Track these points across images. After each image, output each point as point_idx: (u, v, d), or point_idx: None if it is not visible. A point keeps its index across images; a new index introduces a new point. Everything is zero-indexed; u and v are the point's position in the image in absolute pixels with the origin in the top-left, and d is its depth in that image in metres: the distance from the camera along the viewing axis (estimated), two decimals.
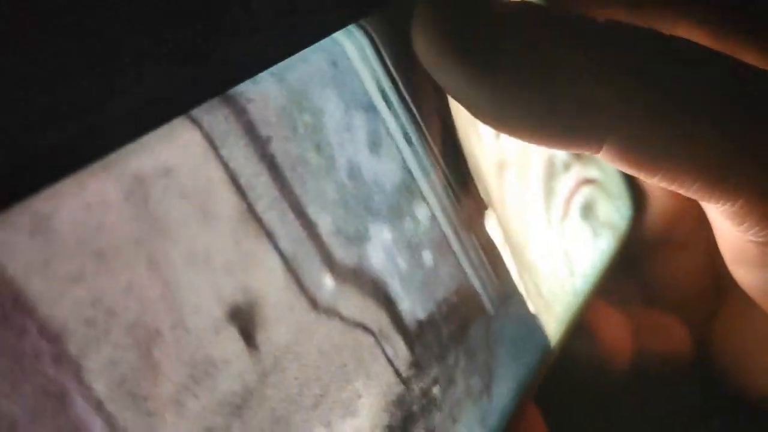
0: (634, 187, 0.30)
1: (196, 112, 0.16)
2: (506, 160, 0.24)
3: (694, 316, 0.29)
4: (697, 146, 0.18)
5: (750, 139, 0.18)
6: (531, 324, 0.23)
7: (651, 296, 0.30)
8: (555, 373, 0.24)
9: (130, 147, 0.15)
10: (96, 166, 0.14)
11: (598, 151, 0.18)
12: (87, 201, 0.14)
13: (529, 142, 0.19)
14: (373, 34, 0.20)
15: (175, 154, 0.15)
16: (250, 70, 0.17)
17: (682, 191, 0.19)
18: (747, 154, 0.18)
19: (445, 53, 0.18)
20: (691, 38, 0.26)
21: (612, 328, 0.27)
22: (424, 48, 0.18)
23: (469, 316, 0.21)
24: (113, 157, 0.14)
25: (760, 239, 0.19)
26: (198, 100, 0.16)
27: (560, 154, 0.27)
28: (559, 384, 0.25)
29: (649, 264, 0.30)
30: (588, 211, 0.27)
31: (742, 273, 0.21)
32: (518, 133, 0.18)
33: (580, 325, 0.26)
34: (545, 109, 0.18)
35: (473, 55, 0.18)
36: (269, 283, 0.16)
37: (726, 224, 0.19)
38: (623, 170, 0.19)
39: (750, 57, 0.25)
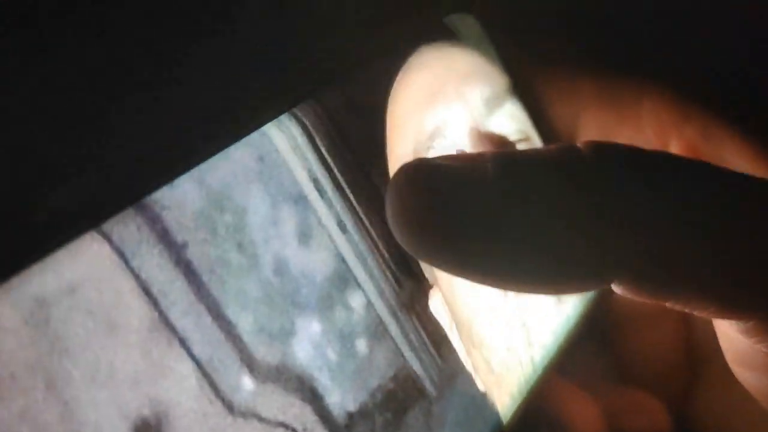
0: None
1: (105, 225, 0.16)
2: None
3: (669, 390, 0.28)
4: (709, 274, 0.17)
5: (761, 261, 0.18)
6: (479, 403, 0.23)
7: (623, 372, 0.29)
8: None
9: (34, 268, 0.15)
10: None
11: (608, 286, 0.18)
12: None
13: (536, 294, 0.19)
14: (306, 122, 0.20)
15: (82, 270, 0.15)
16: (167, 177, 0.17)
17: (694, 313, 0.18)
18: (760, 276, 0.18)
19: (428, 243, 0.17)
20: (660, 115, 0.26)
21: (581, 412, 0.26)
22: (405, 240, 0.17)
23: (408, 401, 0.21)
24: (14, 281, 0.15)
25: None
26: (108, 214, 0.16)
27: None
28: None
29: (620, 338, 0.29)
30: None
31: (747, 376, 0.21)
32: (523, 291, 0.18)
33: (546, 412, 0.25)
34: (542, 268, 0.17)
35: (456, 238, 0.17)
36: (181, 392, 0.16)
37: (735, 334, 0.19)
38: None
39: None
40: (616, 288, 0.18)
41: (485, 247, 0.17)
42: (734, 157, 0.25)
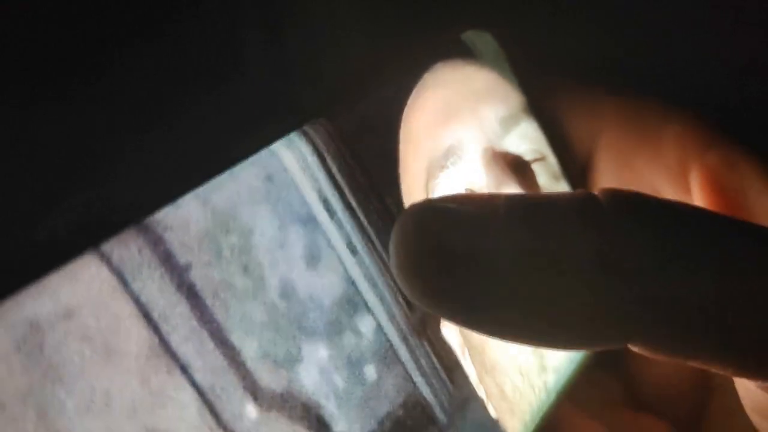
0: None
1: (105, 245, 0.15)
2: None
3: (679, 416, 0.28)
4: (728, 337, 0.17)
5: None
6: (491, 430, 0.22)
7: (633, 397, 0.28)
8: None
9: (29, 290, 0.14)
10: None
11: (623, 346, 0.17)
12: None
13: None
14: (317, 140, 0.20)
15: (79, 293, 0.15)
16: (170, 196, 0.16)
17: (713, 371, 0.18)
18: None
19: (433, 294, 0.16)
20: (683, 141, 0.25)
21: None
22: (409, 289, 0.16)
23: (418, 429, 0.20)
24: (8, 303, 0.14)
25: None
26: (107, 234, 0.15)
27: None
28: None
29: (632, 363, 0.28)
30: None
31: (765, 425, 0.20)
32: (530, 346, 0.17)
33: None
34: (552, 328, 0.16)
35: (464, 290, 0.16)
36: (181, 421, 0.16)
37: (754, 388, 0.19)
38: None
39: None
40: (632, 347, 0.17)
41: (495, 302, 0.16)
42: (755, 188, 0.24)
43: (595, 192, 0.17)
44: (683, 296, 0.16)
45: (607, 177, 0.27)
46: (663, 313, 0.16)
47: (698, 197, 0.24)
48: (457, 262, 0.16)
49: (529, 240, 0.16)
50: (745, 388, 0.20)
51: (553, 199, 0.17)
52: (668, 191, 0.25)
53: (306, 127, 0.19)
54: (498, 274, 0.16)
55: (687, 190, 0.25)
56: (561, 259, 0.16)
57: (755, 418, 0.20)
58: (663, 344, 0.17)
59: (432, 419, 0.21)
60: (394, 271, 0.16)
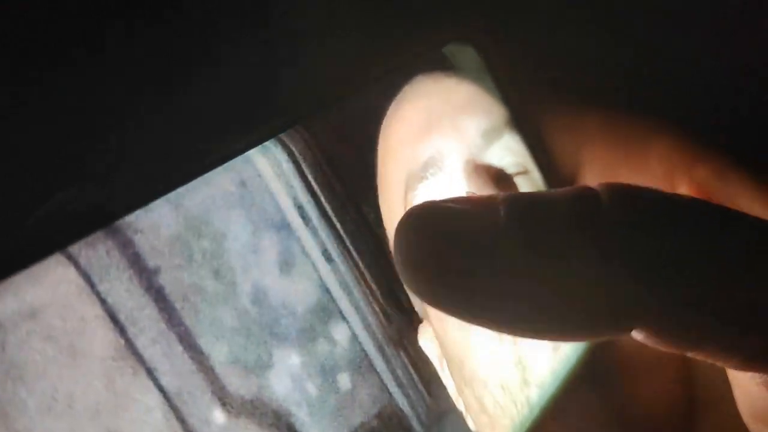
0: None
1: (72, 247, 0.15)
2: None
3: None
4: (734, 326, 0.16)
5: None
6: None
7: (622, 417, 0.28)
8: None
9: None
10: None
11: (626, 335, 0.17)
12: None
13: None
14: (293, 148, 0.20)
15: (44, 294, 0.15)
16: (141, 200, 0.16)
17: (717, 364, 0.18)
18: None
19: (438, 290, 0.16)
20: (670, 155, 0.25)
21: None
22: (413, 286, 0.16)
23: None
24: None
25: None
26: (75, 236, 0.15)
27: None
28: None
29: (620, 382, 0.28)
30: None
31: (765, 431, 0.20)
32: (536, 338, 0.17)
33: None
34: (556, 319, 0.16)
35: (468, 286, 0.16)
36: (145, 425, 0.16)
37: (755, 387, 0.18)
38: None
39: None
40: (636, 335, 0.17)
41: (499, 296, 0.16)
42: (746, 201, 0.24)
43: (592, 186, 0.17)
44: (687, 286, 0.16)
45: None
46: (668, 301, 0.16)
47: None
48: (460, 257, 0.16)
49: (530, 236, 0.16)
50: (745, 391, 0.20)
51: (551, 197, 0.17)
52: None
53: (282, 136, 0.20)
54: (501, 269, 0.16)
55: None
56: (563, 254, 0.16)
57: (753, 425, 0.20)
58: (668, 332, 0.16)
59: (408, 431, 0.21)
60: (397, 267, 0.16)
